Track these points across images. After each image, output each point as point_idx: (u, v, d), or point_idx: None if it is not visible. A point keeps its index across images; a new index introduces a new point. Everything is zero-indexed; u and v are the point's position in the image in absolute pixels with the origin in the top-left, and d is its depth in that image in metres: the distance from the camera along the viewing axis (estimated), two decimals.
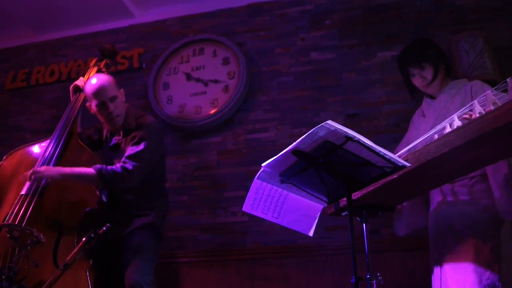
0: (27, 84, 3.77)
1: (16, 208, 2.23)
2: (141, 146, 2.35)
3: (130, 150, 2.35)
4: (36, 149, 2.56)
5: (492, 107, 1.37)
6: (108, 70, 2.87)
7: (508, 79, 1.36)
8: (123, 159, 2.33)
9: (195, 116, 3.28)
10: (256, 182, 1.72)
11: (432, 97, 2.23)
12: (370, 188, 1.56)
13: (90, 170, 2.29)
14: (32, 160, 2.47)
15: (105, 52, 2.89)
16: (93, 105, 2.47)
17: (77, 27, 3.81)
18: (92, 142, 2.62)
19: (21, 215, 2.19)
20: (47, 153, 2.45)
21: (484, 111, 1.41)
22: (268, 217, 1.80)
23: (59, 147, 2.48)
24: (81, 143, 2.55)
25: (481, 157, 1.54)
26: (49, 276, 1.94)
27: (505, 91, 1.43)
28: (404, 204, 2.17)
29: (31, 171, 2.28)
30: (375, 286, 1.53)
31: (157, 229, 2.44)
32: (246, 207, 1.79)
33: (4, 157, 2.56)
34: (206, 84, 3.35)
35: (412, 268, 2.65)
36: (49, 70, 3.75)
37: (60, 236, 2.25)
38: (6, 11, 3.67)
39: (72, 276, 2.05)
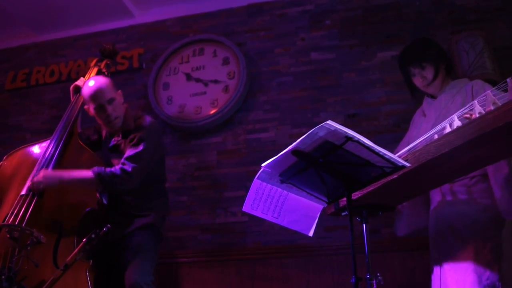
0: (27, 84, 3.78)
1: (16, 209, 2.23)
2: (140, 147, 2.35)
3: (129, 151, 2.35)
4: (36, 149, 2.55)
5: (492, 107, 1.37)
6: (108, 70, 2.87)
7: (508, 79, 1.35)
8: (122, 160, 2.33)
9: (195, 116, 3.28)
10: (256, 182, 1.72)
11: (433, 96, 2.23)
12: (370, 188, 1.56)
13: (88, 173, 2.27)
14: (32, 161, 2.46)
15: (105, 53, 2.89)
16: (91, 108, 2.46)
17: (77, 27, 3.81)
18: (91, 142, 2.61)
19: (21, 215, 2.19)
20: (47, 153, 2.44)
21: (484, 111, 1.41)
22: (268, 217, 1.80)
23: (59, 147, 2.48)
24: (81, 144, 2.54)
25: (481, 157, 1.54)
26: (49, 276, 1.94)
27: (505, 91, 1.42)
28: (405, 204, 2.17)
29: (31, 181, 2.26)
30: (375, 286, 1.53)
31: (157, 230, 2.44)
32: (246, 207, 1.79)
33: (4, 157, 2.56)
34: (206, 84, 3.35)
35: (412, 268, 2.65)
36: (49, 70, 3.75)
37: (60, 237, 2.25)
38: (6, 11, 3.67)
39: (72, 276, 2.05)
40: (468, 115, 1.54)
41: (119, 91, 2.54)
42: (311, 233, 1.83)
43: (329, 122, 1.33)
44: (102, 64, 2.84)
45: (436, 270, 2.03)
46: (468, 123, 1.36)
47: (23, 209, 2.22)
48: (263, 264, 2.88)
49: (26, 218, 2.18)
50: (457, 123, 1.50)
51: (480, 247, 1.87)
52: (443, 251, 2.00)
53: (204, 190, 3.16)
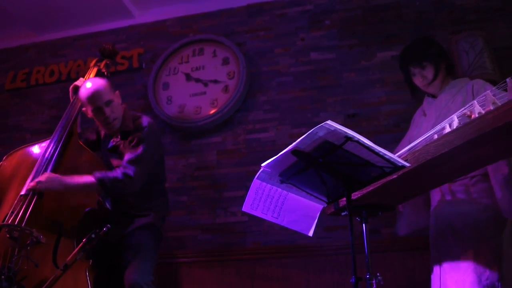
0: (27, 84, 3.78)
1: (16, 209, 2.23)
2: (140, 149, 2.34)
3: (130, 154, 2.34)
4: (36, 149, 2.55)
5: (491, 107, 1.36)
6: (108, 70, 2.87)
7: (508, 79, 1.35)
8: (123, 163, 2.32)
9: (195, 116, 3.28)
10: (256, 182, 1.72)
11: (433, 96, 2.23)
12: (370, 188, 1.56)
13: (90, 179, 2.26)
14: (32, 161, 2.46)
15: (105, 53, 2.89)
16: (89, 110, 2.45)
17: (77, 27, 3.81)
18: (90, 143, 2.60)
19: (21, 215, 2.19)
20: (47, 153, 2.44)
21: (484, 111, 1.41)
22: (268, 217, 1.80)
23: (59, 147, 2.48)
24: (81, 143, 2.54)
25: (480, 157, 1.54)
26: (49, 276, 1.94)
27: (506, 91, 1.42)
28: (405, 203, 2.17)
29: (33, 183, 2.25)
30: (374, 286, 1.53)
31: (157, 229, 2.44)
32: (245, 207, 1.79)
33: (4, 157, 2.56)
34: (206, 84, 3.35)
35: (412, 268, 2.65)
36: (49, 70, 3.75)
37: (60, 237, 2.25)
38: (6, 11, 3.67)
39: (72, 276, 2.05)
40: (468, 112, 1.54)
41: (117, 92, 2.53)
42: (311, 233, 1.83)
43: (329, 122, 1.33)
44: (102, 64, 2.84)
45: (436, 270, 2.03)
46: (468, 123, 1.36)
47: (23, 209, 2.21)
48: (263, 264, 2.88)
49: (26, 218, 2.18)
50: (456, 123, 1.50)
51: (480, 247, 1.87)
52: (443, 250, 2.00)
53: (204, 190, 3.16)
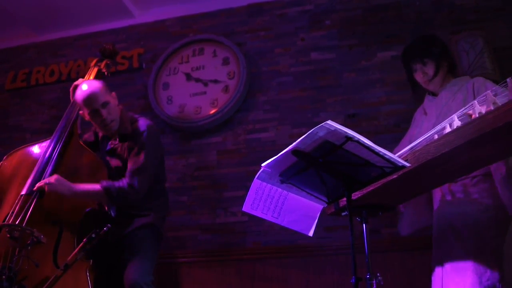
0: (27, 84, 3.77)
1: (17, 208, 2.23)
2: (142, 158, 2.34)
3: (133, 164, 2.34)
4: (36, 149, 2.56)
5: (492, 107, 1.37)
6: (108, 70, 2.87)
7: (508, 79, 1.35)
8: (127, 173, 2.32)
9: (195, 116, 3.28)
10: (256, 182, 1.72)
11: (434, 94, 2.23)
12: (370, 188, 1.56)
13: (97, 187, 2.27)
14: (32, 160, 2.46)
15: (105, 53, 2.89)
16: (85, 113, 2.44)
17: (77, 27, 3.81)
18: (88, 144, 2.59)
19: (21, 215, 2.19)
20: (47, 153, 2.44)
21: (484, 111, 1.41)
22: (268, 217, 1.80)
23: (60, 147, 2.48)
24: (82, 144, 2.54)
25: (481, 157, 1.54)
26: (50, 276, 1.94)
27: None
28: (407, 203, 2.17)
29: (43, 181, 2.24)
30: (374, 286, 1.53)
31: (157, 229, 2.44)
32: (246, 207, 1.79)
33: (4, 157, 2.56)
34: (206, 84, 3.35)
35: (412, 268, 2.65)
36: (49, 70, 3.75)
37: (61, 236, 2.25)
38: (6, 11, 3.67)
39: (72, 276, 2.05)
40: (470, 111, 1.54)
41: (113, 93, 2.52)
42: (311, 233, 1.83)
43: (329, 122, 1.33)
44: (102, 64, 2.84)
45: (438, 270, 2.02)
46: (468, 123, 1.36)
47: (23, 209, 2.22)
48: (263, 264, 2.88)
49: (27, 218, 2.18)
50: (457, 123, 1.50)
51: (481, 247, 1.87)
52: (444, 251, 2.00)
53: (204, 190, 3.16)
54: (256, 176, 1.66)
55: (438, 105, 2.16)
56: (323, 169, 1.51)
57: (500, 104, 1.33)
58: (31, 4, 3.58)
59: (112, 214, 2.38)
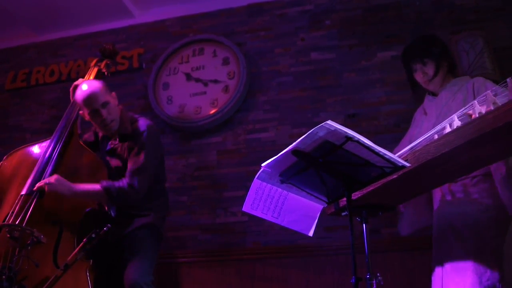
0: (27, 84, 3.78)
1: (17, 208, 2.23)
2: (142, 159, 2.34)
3: (133, 164, 2.34)
4: (36, 149, 2.56)
5: (492, 107, 1.37)
6: (108, 70, 2.87)
7: (508, 79, 1.35)
8: (127, 173, 2.32)
9: (195, 116, 3.28)
10: (256, 182, 1.72)
11: (434, 94, 2.23)
12: (370, 188, 1.56)
13: (97, 187, 2.27)
14: (33, 160, 2.46)
15: (105, 53, 2.89)
16: (85, 113, 2.44)
17: (77, 27, 3.81)
18: (88, 144, 2.59)
19: (21, 215, 2.19)
20: (47, 153, 2.44)
21: (484, 111, 1.41)
22: (268, 217, 1.80)
23: (60, 147, 2.48)
24: (82, 144, 2.54)
25: (481, 157, 1.54)
26: (50, 276, 1.94)
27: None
28: (407, 203, 2.17)
29: (41, 183, 2.25)
30: (374, 286, 1.53)
31: (157, 229, 2.44)
32: (246, 207, 1.79)
33: (4, 157, 2.56)
34: (206, 84, 3.35)
35: (412, 268, 2.65)
36: (49, 70, 3.75)
37: (61, 236, 2.25)
38: (6, 11, 3.67)
39: (72, 276, 2.05)
40: (470, 111, 1.54)
41: (113, 93, 2.51)
42: (311, 233, 1.83)
43: (329, 122, 1.33)
44: (102, 64, 2.84)
45: (438, 270, 2.02)
46: (468, 123, 1.36)
47: (23, 209, 2.22)
48: (263, 264, 2.88)
49: (27, 218, 2.18)
50: (457, 123, 1.50)
51: (481, 247, 1.87)
52: (444, 251, 2.00)
53: (204, 190, 3.16)
54: (256, 176, 1.66)
55: (438, 105, 2.16)
56: (323, 169, 1.51)
57: (500, 104, 1.33)
58: (31, 4, 3.58)
59: (112, 214, 2.38)
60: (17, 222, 2.16)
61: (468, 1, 3.11)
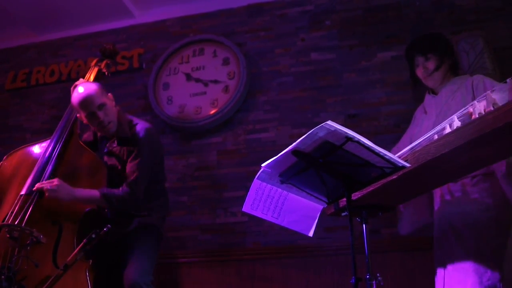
0: (27, 84, 3.77)
1: (16, 208, 2.23)
2: (142, 164, 2.35)
3: (133, 170, 2.34)
4: (36, 149, 2.56)
5: (492, 108, 1.37)
6: (108, 70, 2.87)
7: (508, 80, 1.35)
8: (126, 182, 2.32)
9: (195, 116, 3.28)
10: (256, 182, 1.72)
11: (433, 92, 2.23)
12: (370, 188, 1.56)
13: (97, 194, 2.28)
14: (33, 160, 2.46)
15: (106, 53, 2.89)
16: (83, 116, 2.43)
17: (77, 27, 3.81)
18: (87, 144, 2.58)
19: (21, 215, 2.19)
20: (47, 153, 2.44)
21: (483, 109, 1.41)
22: (268, 217, 1.80)
23: (60, 147, 2.48)
24: (82, 144, 2.54)
25: (481, 157, 1.54)
26: (49, 276, 1.94)
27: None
28: (407, 203, 2.17)
29: (45, 186, 2.23)
30: (374, 286, 1.53)
31: (157, 229, 2.44)
32: (246, 208, 1.79)
33: (4, 157, 2.56)
34: (206, 85, 3.35)
35: (412, 268, 2.65)
36: (49, 70, 3.75)
37: (60, 236, 2.25)
38: (6, 11, 3.67)
39: (72, 276, 2.05)
40: (471, 110, 1.54)
41: (110, 94, 2.51)
42: (311, 234, 1.83)
43: (329, 122, 1.33)
44: (102, 64, 2.84)
45: (440, 271, 2.02)
46: (468, 124, 1.36)
47: (23, 209, 2.21)
48: (263, 265, 2.88)
49: (26, 218, 2.18)
50: (457, 123, 1.49)
51: (481, 247, 1.87)
52: (446, 251, 1.99)
53: (204, 190, 3.16)
54: (256, 176, 1.66)
55: (438, 104, 2.17)
56: (323, 169, 1.51)
57: (498, 99, 1.33)
58: (31, 4, 3.58)
59: (108, 214, 2.39)
60: (16, 222, 2.16)
61: (468, 1, 3.11)
